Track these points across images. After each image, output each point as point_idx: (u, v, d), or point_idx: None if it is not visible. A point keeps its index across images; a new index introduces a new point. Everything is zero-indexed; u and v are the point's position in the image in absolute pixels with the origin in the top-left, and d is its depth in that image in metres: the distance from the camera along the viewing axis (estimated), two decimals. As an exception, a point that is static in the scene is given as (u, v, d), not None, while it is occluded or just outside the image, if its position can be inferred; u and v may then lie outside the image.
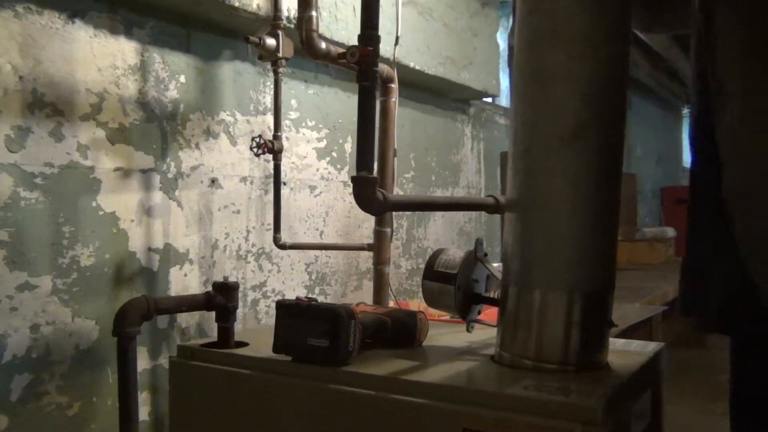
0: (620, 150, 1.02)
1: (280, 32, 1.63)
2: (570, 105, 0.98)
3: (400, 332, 1.14)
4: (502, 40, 2.91)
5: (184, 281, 1.66)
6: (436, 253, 1.15)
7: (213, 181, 1.74)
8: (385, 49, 1.55)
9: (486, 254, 1.15)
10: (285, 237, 1.84)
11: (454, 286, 1.09)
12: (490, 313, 1.23)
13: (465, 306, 1.12)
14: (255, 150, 1.67)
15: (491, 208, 1.08)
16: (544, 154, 1.00)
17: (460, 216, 2.94)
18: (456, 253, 1.14)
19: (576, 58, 0.97)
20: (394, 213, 2.06)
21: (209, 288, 1.28)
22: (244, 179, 1.84)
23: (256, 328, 1.80)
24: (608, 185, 1.00)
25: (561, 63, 0.98)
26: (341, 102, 2.20)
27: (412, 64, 2.30)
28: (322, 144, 2.13)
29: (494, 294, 1.13)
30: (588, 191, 0.98)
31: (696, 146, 0.96)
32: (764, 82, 0.83)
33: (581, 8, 0.97)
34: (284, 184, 1.94)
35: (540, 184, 1.00)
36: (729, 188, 0.86)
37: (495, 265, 1.15)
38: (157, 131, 1.60)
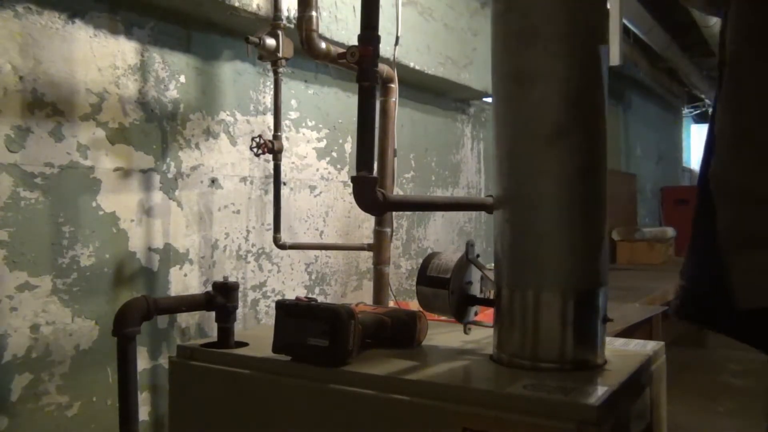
0: (603, 146, 1.02)
1: (280, 32, 1.63)
2: (551, 104, 0.98)
3: (399, 332, 1.14)
4: (502, 40, 2.91)
5: (184, 281, 1.66)
6: (429, 258, 1.14)
7: (213, 181, 1.74)
8: (385, 49, 1.55)
9: (478, 255, 1.14)
10: (285, 237, 1.84)
11: (447, 291, 1.09)
12: (488, 314, 1.23)
13: (460, 309, 1.11)
14: (255, 150, 1.67)
15: (491, 208, 1.08)
16: (527, 154, 1.00)
17: (460, 216, 2.94)
18: (449, 256, 1.13)
19: (555, 56, 0.97)
20: (394, 213, 2.06)
21: (209, 288, 1.28)
22: (244, 179, 1.84)
23: (256, 328, 1.80)
24: (593, 182, 1.01)
25: (540, 62, 0.98)
26: (341, 102, 2.20)
27: (412, 64, 2.30)
28: (322, 144, 2.13)
29: (489, 294, 1.13)
30: (573, 189, 0.99)
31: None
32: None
33: (559, 6, 0.97)
34: (284, 184, 1.94)
35: (525, 184, 1.00)
36: (714, 173, 0.87)
37: (490, 265, 1.15)
38: (157, 131, 1.60)
